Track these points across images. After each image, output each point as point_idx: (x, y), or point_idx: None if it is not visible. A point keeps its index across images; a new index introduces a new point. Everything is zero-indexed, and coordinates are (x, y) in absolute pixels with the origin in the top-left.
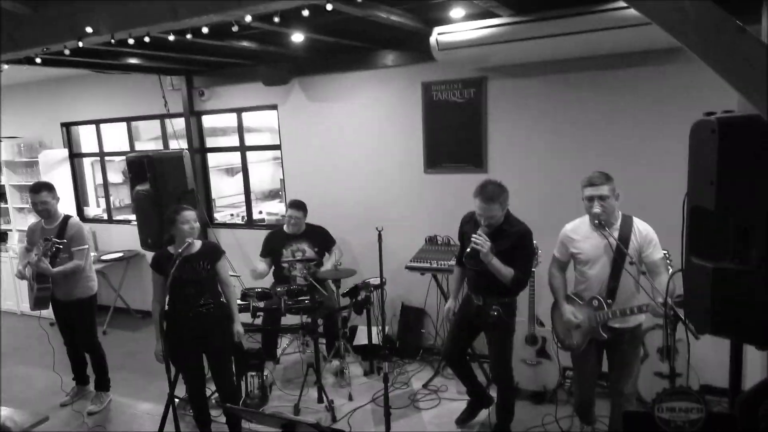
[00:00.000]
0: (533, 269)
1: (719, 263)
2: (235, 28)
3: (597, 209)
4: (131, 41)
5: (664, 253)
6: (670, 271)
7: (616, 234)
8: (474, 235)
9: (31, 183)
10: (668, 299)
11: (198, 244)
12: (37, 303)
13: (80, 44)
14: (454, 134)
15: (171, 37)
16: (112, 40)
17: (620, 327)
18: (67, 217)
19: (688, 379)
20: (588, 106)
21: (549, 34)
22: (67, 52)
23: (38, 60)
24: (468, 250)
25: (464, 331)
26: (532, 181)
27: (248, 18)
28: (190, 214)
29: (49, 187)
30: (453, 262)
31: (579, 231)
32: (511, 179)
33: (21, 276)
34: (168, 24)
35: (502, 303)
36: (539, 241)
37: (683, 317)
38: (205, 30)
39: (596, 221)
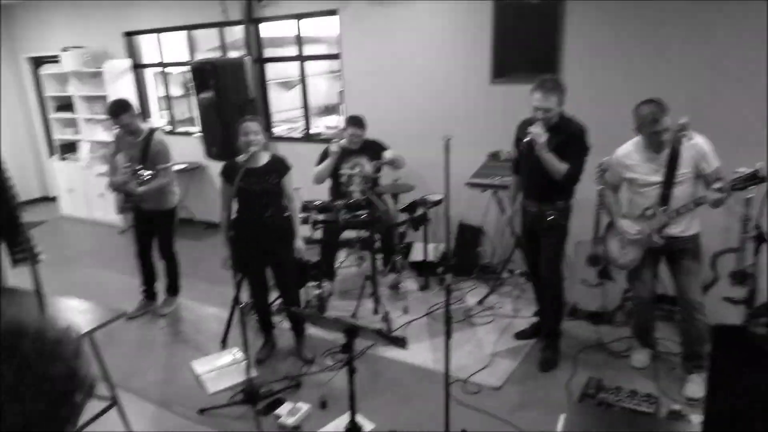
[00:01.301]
0: (601, 186)
1: None
2: None
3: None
4: None
5: (756, 170)
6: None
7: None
8: (531, 127)
9: (97, 94)
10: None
11: (266, 156)
12: (121, 210)
13: None
14: (525, 41)
15: None
16: None
17: (678, 235)
18: (151, 132)
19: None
20: (678, 21)
21: None
22: None
23: None
24: (524, 140)
25: (532, 242)
26: (606, 95)
27: None
28: (252, 125)
29: (125, 107)
30: (514, 178)
31: (631, 155)
32: (583, 91)
33: (114, 187)
34: None
35: (557, 208)
36: (609, 156)
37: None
38: None
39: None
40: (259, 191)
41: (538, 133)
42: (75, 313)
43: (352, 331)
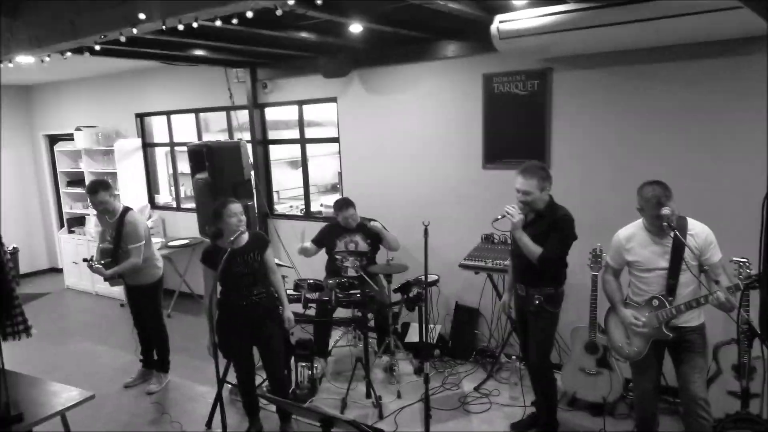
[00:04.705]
0: (595, 273)
1: None
2: (278, 12)
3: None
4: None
5: (744, 261)
6: (740, 278)
7: (671, 236)
8: (507, 207)
9: (107, 170)
10: (740, 309)
11: (246, 235)
12: (111, 283)
13: (134, 31)
14: (515, 128)
15: (218, 23)
16: (164, 27)
17: (685, 326)
18: (125, 212)
19: (764, 401)
20: (658, 100)
21: (617, 21)
22: (123, 39)
23: (97, 48)
24: (498, 217)
25: (523, 326)
26: (597, 179)
27: (291, 1)
28: (236, 207)
29: (104, 186)
30: (508, 262)
31: (634, 238)
32: (574, 177)
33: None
34: (214, 9)
35: (544, 293)
36: (603, 243)
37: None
38: (249, 15)
39: (665, 224)
40: (244, 272)
41: (512, 213)
42: (45, 394)
43: (327, 422)
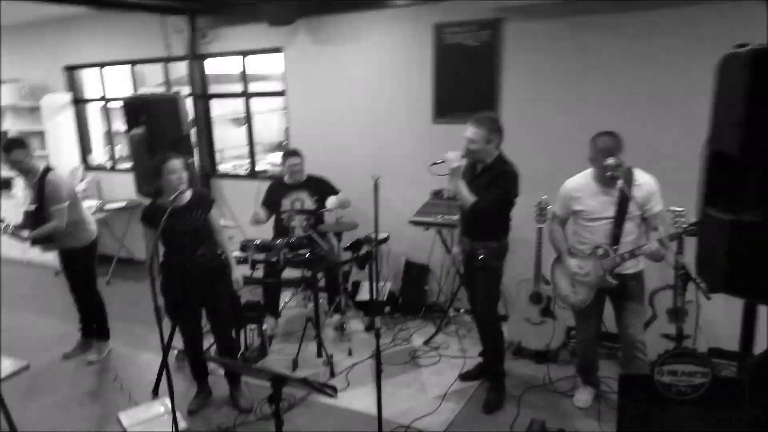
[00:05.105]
0: (540, 226)
1: (738, 216)
2: None
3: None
4: None
5: (680, 210)
6: (675, 227)
7: (618, 186)
8: (449, 152)
9: (35, 129)
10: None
11: (188, 193)
12: (43, 249)
13: None
14: (465, 81)
15: None
16: None
17: (625, 273)
18: (45, 172)
19: (695, 341)
20: (610, 51)
21: None
22: None
23: None
24: (437, 162)
25: (470, 280)
26: (546, 132)
27: None
28: (176, 163)
29: (20, 143)
30: (458, 217)
31: (581, 188)
32: (525, 130)
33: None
34: None
35: (488, 247)
36: (549, 194)
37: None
38: None
39: (609, 174)
40: (187, 231)
41: (450, 158)
42: None
43: (278, 381)
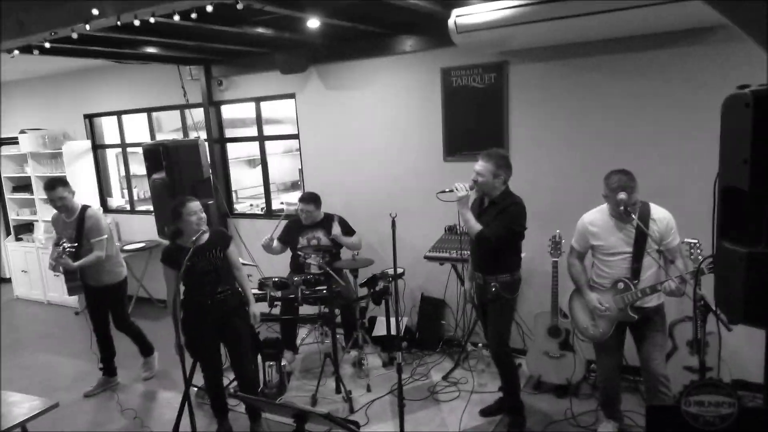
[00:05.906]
0: (556, 259)
1: (753, 248)
2: (240, 6)
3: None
4: (137, 23)
5: (695, 242)
6: (692, 258)
7: (634, 221)
8: (457, 183)
9: (56, 175)
10: (696, 288)
11: (207, 233)
12: (71, 291)
13: (87, 27)
14: (474, 121)
15: (176, 18)
16: (119, 23)
17: (646, 306)
18: (84, 209)
19: (719, 373)
20: (613, 90)
21: (572, 13)
22: (74, 36)
23: (47, 45)
24: (444, 190)
25: (484, 314)
26: (555, 168)
27: None
28: (195, 205)
29: (63, 182)
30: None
31: (598, 223)
32: (532, 167)
33: (52, 268)
34: (172, 4)
35: (500, 280)
36: (561, 230)
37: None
38: (209, 8)
39: (621, 208)
40: (207, 269)
41: (458, 188)
42: (4, 405)
43: (301, 416)
